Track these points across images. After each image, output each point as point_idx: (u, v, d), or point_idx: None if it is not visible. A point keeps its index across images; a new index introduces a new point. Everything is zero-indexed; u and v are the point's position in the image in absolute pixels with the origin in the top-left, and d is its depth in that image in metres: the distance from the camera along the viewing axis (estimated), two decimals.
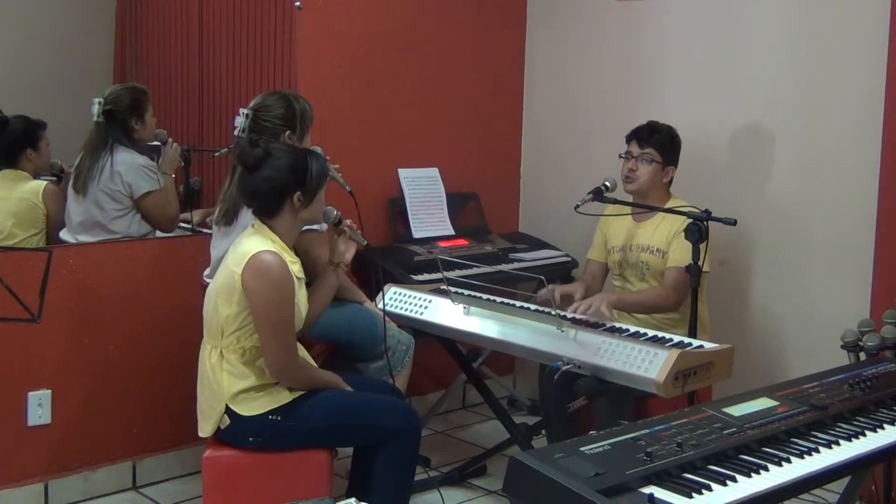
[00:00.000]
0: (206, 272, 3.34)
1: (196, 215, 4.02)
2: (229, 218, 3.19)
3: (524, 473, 1.82)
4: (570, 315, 3.21)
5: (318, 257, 3.16)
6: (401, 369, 3.35)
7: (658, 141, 3.64)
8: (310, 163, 2.89)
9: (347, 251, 3.13)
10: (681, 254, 3.43)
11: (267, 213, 2.88)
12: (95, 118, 3.69)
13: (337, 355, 3.39)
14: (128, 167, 3.68)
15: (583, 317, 3.20)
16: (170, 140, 3.91)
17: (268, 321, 2.78)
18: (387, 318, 3.25)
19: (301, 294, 2.91)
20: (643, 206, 3.59)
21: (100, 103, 3.69)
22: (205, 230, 3.95)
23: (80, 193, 3.68)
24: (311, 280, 3.07)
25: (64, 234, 3.77)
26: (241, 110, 3.28)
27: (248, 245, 2.81)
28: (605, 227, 3.80)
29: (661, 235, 3.60)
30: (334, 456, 3.05)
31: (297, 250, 2.99)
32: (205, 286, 3.30)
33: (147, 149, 3.84)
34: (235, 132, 3.26)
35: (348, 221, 3.12)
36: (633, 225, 3.70)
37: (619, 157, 3.68)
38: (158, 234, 3.85)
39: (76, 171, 3.70)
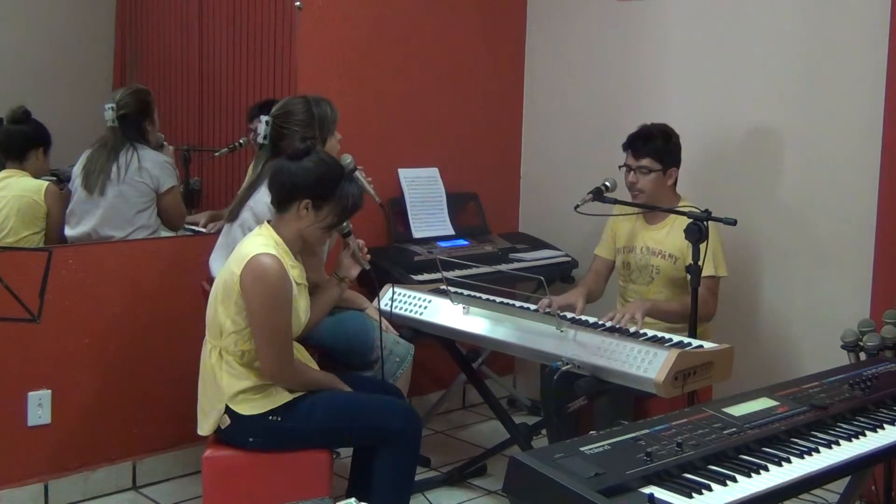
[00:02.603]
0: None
1: (203, 217, 4.04)
2: (233, 215, 3.26)
3: (524, 473, 1.82)
4: (570, 316, 3.21)
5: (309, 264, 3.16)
6: (393, 381, 3.33)
7: (653, 149, 3.55)
8: (341, 189, 2.86)
9: (352, 267, 3.13)
10: (708, 263, 3.31)
11: (276, 202, 2.90)
12: (110, 123, 3.73)
13: (327, 361, 3.36)
14: (153, 163, 3.77)
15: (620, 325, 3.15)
16: (165, 143, 3.94)
17: (263, 325, 2.77)
18: (383, 328, 3.24)
19: (302, 300, 2.91)
20: (645, 207, 3.57)
21: (113, 109, 3.73)
22: (204, 230, 3.96)
23: (96, 193, 3.69)
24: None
25: (71, 230, 3.75)
26: (263, 117, 3.30)
27: (250, 246, 2.81)
28: (616, 226, 3.76)
29: (675, 241, 3.52)
30: (335, 456, 3.05)
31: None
32: (203, 285, 3.30)
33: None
34: (259, 139, 3.29)
35: (360, 242, 3.12)
36: (643, 226, 3.66)
37: (619, 168, 3.64)
38: (161, 233, 3.86)
39: (85, 170, 3.71)
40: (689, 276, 3.21)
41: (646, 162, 3.55)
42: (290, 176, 2.85)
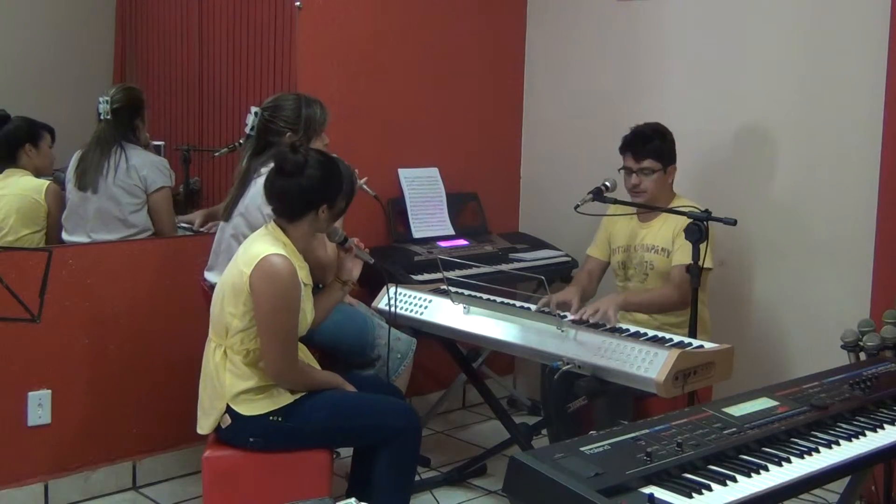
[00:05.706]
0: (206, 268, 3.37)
1: (198, 218, 4.03)
2: (227, 214, 3.27)
3: (524, 473, 1.82)
4: (572, 316, 3.21)
5: (320, 258, 3.16)
6: (395, 378, 3.33)
7: (653, 149, 3.56)
8: (344, 181, 2.91)
9: (354, 268, 3.13)
10: (686, 252, 3.41)
11: (288, 216, 2.88)
12: (104, 116, 3.72)
13: (327, 361, 3.35)
14: (143, 162, 3.75)
15: (591, 320, 3.18)
16: (150, 143, 3.94)
17: (270, 325, 2.77)
18: (385, 324, 3.23)
19: (308, 300, 2.91)
20: (644, 207, 3.58)
21: (107, 102, 3.72)
22: (203, 230, 3.95)
23: (89, 190, 3.69)
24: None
25: (69, 236, 3.75)
26: (253, 108, 3.29)
27: (260, 246, 2.80)
28: (610, 226, 3.77)
29: (666, 234, 3.57)
30: (335, 456, 3.05)
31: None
32: (203, 285, 3.30)
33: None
34: (246, 129, 3.29)
35: (355, 240, 3.11)
36: (638, 225, 3.67)
37: (619, 171, 3.64)
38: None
39: (79, 169, 3.71)
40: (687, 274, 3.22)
41: (647, 163, 3.55)
42: (301, 190, 2.83)
